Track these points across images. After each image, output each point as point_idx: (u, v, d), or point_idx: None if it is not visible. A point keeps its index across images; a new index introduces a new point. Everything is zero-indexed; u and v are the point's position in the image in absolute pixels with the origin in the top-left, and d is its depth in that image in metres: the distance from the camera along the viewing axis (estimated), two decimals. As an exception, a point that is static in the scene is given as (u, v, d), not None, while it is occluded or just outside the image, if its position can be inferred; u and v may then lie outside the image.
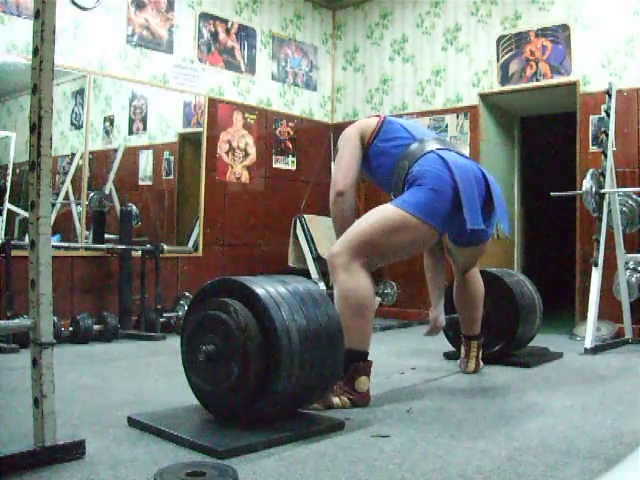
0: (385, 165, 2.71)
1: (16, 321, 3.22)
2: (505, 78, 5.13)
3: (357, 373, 2.40)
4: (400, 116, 5.68)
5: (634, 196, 4.32)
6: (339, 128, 6.08)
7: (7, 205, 4.30)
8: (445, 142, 2.80)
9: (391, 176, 2.68)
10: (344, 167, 2.69)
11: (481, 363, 3.13)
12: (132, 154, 5.10)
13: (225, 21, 5.30)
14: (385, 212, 2.52)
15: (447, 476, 1.66)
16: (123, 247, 4.41)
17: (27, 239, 1.83)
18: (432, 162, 2.55)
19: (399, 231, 2.47)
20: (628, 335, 4.15)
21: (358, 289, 2.39)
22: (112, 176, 4.85)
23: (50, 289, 1.67)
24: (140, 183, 5.20)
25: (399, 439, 1.99)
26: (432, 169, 2.52)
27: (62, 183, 4.59)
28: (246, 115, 5.45)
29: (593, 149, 4.66)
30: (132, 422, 2.08)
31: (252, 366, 1.92)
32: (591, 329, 3.79)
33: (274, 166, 5.70)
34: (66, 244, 4.33)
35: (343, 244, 2.46)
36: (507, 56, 5.12)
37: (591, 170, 4.01)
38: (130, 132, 5.02)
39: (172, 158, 5.22)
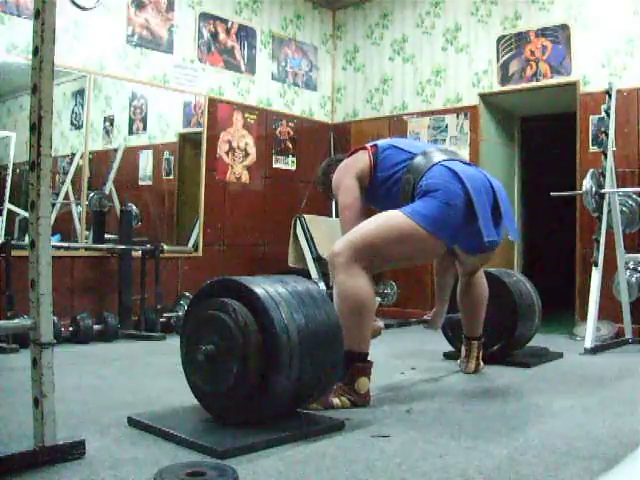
0: (392, 189, 2.65)
1: (16, 321, 3.23)
2: (505, 78, 5.13)
3: (357, 374, 2.40)
4: (400, 116, 5.69)
5: (634, 196, 4.31)
6: (339, 128, 6.11)
7: (7, 205, 4.30)
8: (447, 152, 2.74)
9: (398, 195, 2.62)
10: (344, 190, 2.65)
11: (481, 363, 3.13)
12: (132, 154, 5.10)
13: (225, 21, 5.30)
14: (394, 219, 2.46)
15: (447, 476, 1.66)
16: (123, 247, 4.41)
17: (27, 239, 1.83)
18: (442, 175, 2.50)
19: (405, 241, 2.44)
20: (628, 335, 4.15)
21: (358, 290, 2.37)
22: (112, 176, 4.84)
23: (50, 289, 1.67)
24: (140, 183, 5.20)
25: (399, 439, 1.99)
26: (443, 182, 2.47)
27: (62, 183, 4.58)
28: (246, 115, 5.45)
29: (593, 149, 4.65)
30: (132, 422, 2.09)
31: (251, 366, 1.92)
32: (591, 329, 3.79)
33: (274, 166, 5.70)
34: (66, 244, 4.32)
35: (346, 244, 2.43)
36: (507, 56, 5.12)
37: (591, 170, 4.01)
38: (130, 132, 5.02)
39: (172, 158, 5.22)
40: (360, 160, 2.71)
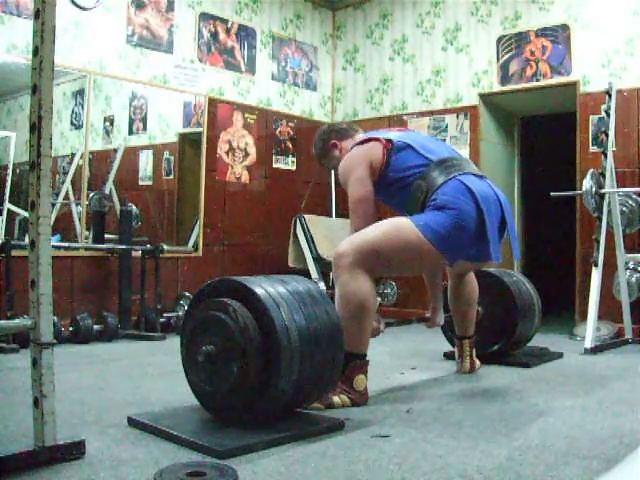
0: (401, 191, 2.60)
1: (16, 321, 3.21)
2: (505, 78, 5.13)
3: (354, 371, 2.40)
4: (400, 116, 5.68)
5: (634, 196, 4.31)
6: (339, 128, 6.10)
7: (7, 205, 4.30)
8: (462, 164, 2.60)
9: (406, 199, 2.58)
10: (356, 181, 2.57)
11: (477, 362, 3.13)
12: (132, 154, 5.10)
13: (225, 21, 5.30)
14: (403, 228, 2.43)
15: (447, 476, 1.66)
16: (123, 247, 4.41)
17: (27, 239, 1.83)
18: (458, 192, 2.45)
19: (411, 252, 2.43)
20: (628, 335, 4.15)
21: (360, 292, 2.37)
22: (112, 176, 4.84)
23: (50, 289, 1.67)
24: (140, 183, 5.20)
25: (399, 439, 1.99)
26: (458, 200, 2.43)
27: (62, 183, 4.59)
28: (246, 115, 5.45)
29: (593, 149, 4.65)
30: (132, 422, 2.08)
31: (252, 366, 1.92)
32: (591, 329, 3.79)
33: (274, 166, 5.69)
34: (66, 244, 4.32)
35: (352, 246, 2.41)
36: (507, 56, 5.12)
37: (591, 170, 4.01)
38: (130, 132, 5.02)
39: (172, 158, 5.22)
40: (373, 153, 2.61)
